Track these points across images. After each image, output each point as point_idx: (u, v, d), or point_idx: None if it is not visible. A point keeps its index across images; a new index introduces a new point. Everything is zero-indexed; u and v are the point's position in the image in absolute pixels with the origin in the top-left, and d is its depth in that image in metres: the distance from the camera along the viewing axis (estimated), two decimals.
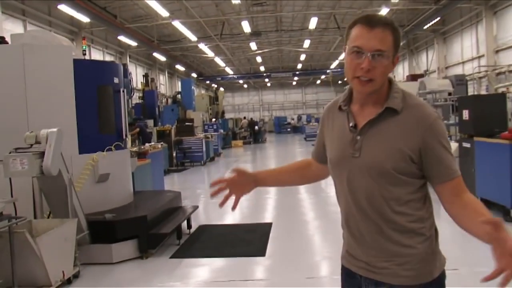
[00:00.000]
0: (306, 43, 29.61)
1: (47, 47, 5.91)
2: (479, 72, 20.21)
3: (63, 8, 15.27)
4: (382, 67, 1.73)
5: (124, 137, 6.65)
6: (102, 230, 5.60)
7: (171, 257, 5.95)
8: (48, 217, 5.42)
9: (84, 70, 6.11)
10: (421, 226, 1.79)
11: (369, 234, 1.82)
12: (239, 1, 19.24)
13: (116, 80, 6.55)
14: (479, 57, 20.77)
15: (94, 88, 6.20)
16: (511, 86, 15.19)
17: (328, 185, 12.24)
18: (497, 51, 19.45)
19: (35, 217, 5.36)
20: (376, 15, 1.79)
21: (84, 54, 7.72)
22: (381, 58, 1.72)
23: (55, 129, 4.79)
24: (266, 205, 9.53)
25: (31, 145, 4.79)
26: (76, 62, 6.02)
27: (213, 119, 25.88)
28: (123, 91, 6.64)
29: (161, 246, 6.16)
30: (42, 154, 4.68)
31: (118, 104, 6.55)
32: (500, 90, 15.64)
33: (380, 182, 1.76)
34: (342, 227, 2.00)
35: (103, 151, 6.14)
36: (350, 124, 1.86)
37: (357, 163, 1.80)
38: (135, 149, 9.30)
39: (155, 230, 6.01)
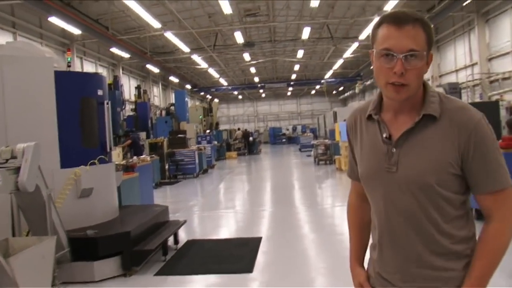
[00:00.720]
0: (300, 53, 29.57)
1: (27, 59, 5.73)
2: (473, 80, 20.18)
3: (54, 20, 15.11)
4: (417, 69, 1.55)
5: (108, 150, 6.47)
6: (83, 247, 5.38)
7: (155, 274, 5.73)
8: (27, 235, 5.21)
9: (66, 82, 5.94)
10: (465, 247, 1.62)
11: (406, 259, 1.65)
12: (232, 12, 19.13)
13: (100, 92, 6.37)
14: (472, 65, 20.74)
15: (77, 100, 6.03)
16: (505, 94, 15.11)
17: (324, 197, 12.14)
18: (490, 59, 19.41)
19: (13, 235, 5.14)
20: (403, 11, 1.59)
21: (69, 66, 7.57)
22: (415, 59, 1.54)
23: (32, 143, 4.60)
24: (260, 218, 9.34)
25: (7, 160, 4.59)
26: (58, 74, 5.84)
27: (207, 131, 25.73)
28: (108, 104, 6.47)
29: (146, 263, 5.94)
30: (18, 170, 4.48)
31: (102, 116, 6.38)
32: (494, 98, 15.55)
33: (421, 199, 1.59)
34: (372, 247, 1.82)
35: (86, 165, 5.95)
36: (384, 135, 1.67)
37: (394, 178, 1.62)
38: (122, 162, 9.11)
39: (139, 246, 5.80)
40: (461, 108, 1.60)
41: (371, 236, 1.86)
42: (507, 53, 17.93)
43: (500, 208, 1.58)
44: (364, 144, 1.76)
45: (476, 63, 20.14)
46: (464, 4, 17.35)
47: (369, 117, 1.74)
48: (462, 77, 21.52)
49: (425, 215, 1.59)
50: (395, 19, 1.55)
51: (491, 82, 19.22)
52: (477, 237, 1.66)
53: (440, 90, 14.47)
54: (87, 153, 6.09)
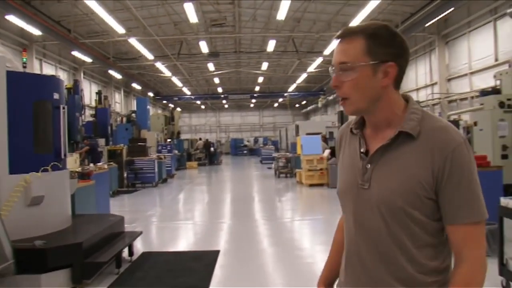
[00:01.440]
0: (264, 66, 29.65)
1: None
2: (433, 99, 20.66)
3: (12, 19, 14.59)
4: (351, 80, 1.49)
5: (63, 156, 6.18)
6: (30, 259, 5.07)
7: None
8: None
9: (19, 83, 5.64)
10: (434, 279, 1.48)
11: (369, 283, 1.54)
12: (198, 21, 19.01)
13: (56, 96, 6.08)
14: (432, 85, 21.25)
15: (31, 103, 5.73)
16: (463, 114, 15.49)
17: (284, 211, 12.05)
18: (449, 79, 19.93)
19: None
20: (351, 26, 1.55)
21: (24, 67, 7.24)
22: (346, 72, 1.49)
23: None
24: (219, 231, 9.15)
25: None
26: (11, 74, 5.54)
27: (168, 140, 25.39)
28: (64, 108, 6.19)
29: (98, 276, 5.67)
30: None
31: (57, 121, 6.08)
32: (452, 117, 15.92)
33: (390, 221, 1.47)
34: (342, 270, 1.71)
35: (38, 172, 5.66)
36: (361, 150, 1.59)
37: (365, 195, 1.53)
38: (78, 169, 8.78)
39: (91, 258, 5.53)
40: (442, 128, 1.48)
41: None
42: (465, 74, 18.45)
43: (472, 245, 1.45)
44: (345, 158, 1.69)
45: (436, 83, 20.65)
46: (426, 25, 17.79)
47: (352, 131, 1.68)
48: (422, 96, 22.03)
49: (392, 238, 1.48)
50: (338, 34, 1.55)
51: (450, 102, 19.73)
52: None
53: None
54: (39, 159, 5.78)
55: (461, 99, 18.60)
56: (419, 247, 1.48)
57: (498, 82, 10.59)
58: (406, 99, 1.58)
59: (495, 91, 10.52)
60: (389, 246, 1.49)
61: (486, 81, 16.07)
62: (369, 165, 1.54)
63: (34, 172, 5.60)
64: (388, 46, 1.50)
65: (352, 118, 1.72)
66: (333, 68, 1.54)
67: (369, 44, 1.48)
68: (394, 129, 1.51)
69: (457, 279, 1.44)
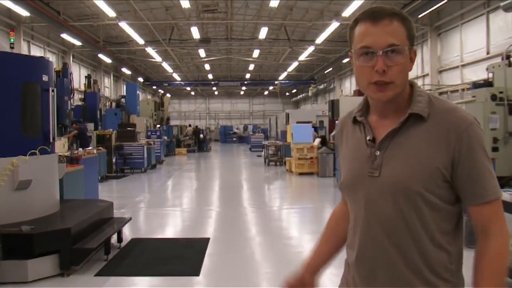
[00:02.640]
0: (256, 53, 29.46)
1: None
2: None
3: None
4: (400, 64, 1.43)
5: (51, 140, 6.06)
6: (17, 244, 4.98)
7: (96, 275, 5.39)
8: None
9: (7, 63, 5.51)
10: (446, 268, 1.47)
11: (383, 275, 1.48)
12: (190, 6, 18.77)
13: (45, 78, 5.95)
14: (423, 76, 21.27)
15: (19, 84, 5.59)
16: None
17: (273, 199, 12.03)
18: (440, 71, 19.96)
19: None
20: (379, 6, 1.46)
21: (12, 48, 7.08)
22: (396, 55, 1.42)
23: None
24: (208, 218, 9.10)
25: None
26: None
27: (158, 126, 25.21)
28: (53, 91, 6.06)
29: (87, 262, 5.59)
30: None
31: (46, 104, 5.96)
32: None
33: (404, 208, 1.43)
34: (347, 263, 1.64)
35: (26, 155, 5.54)
36: (368, 138, 1.53)
37: (377, 184, 1.47)
38: (66, 153, 8.65)
39: (80, 244, 5.44)
40: (452, 109, 1.48)
41: (347, 254, 1.67)
42: (456, 67, 18.48)
43: (497, 220, 1.46)
44: (349, 149, 1.63)
45: (427, 74, 20.68)
46: (419, 16, 17.74)
47: (355, 121, 1.62)
48: None
49: (407, 226, 1.44)
50: (370, 15, 1.45)
51: (441, 93, 19.75)
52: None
53: None
54: (27, 142, 5.67)
55: (452, 91, 18.63)
56: (435, 235, 1.45)
57: (490, 75, 10.57)
58: (410, 84, 1.55)
59: (487, 83, 10.51)
60: (403, 236, 1.45)
61: (477, 73, 16.12)
62: (378, 152, 1.49)
63: (21, 156, 5.49)
64: (413, 33, 1.49)
65: (350, 111, 1.67)
66: (375, 51, 1.42)
67: (407, 28, 1.46)
68: (401, 114, 1.48)
69: (489, 250, 1.44)
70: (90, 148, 12.71)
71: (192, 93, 54.09)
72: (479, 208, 1.45)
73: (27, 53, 19.78)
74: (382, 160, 1.48)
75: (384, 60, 1.41)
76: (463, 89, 17.57)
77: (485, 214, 1.45)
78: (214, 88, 49.92)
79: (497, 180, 1.47)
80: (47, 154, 5.95)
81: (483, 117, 9.07)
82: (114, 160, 16.36)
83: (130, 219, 7.29)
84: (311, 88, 40.82)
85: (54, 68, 7.93)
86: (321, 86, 40.40)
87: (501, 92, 9.38)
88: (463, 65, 17.99)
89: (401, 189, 1.43)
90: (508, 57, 10.47)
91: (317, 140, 16.31)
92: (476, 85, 11.85)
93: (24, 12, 15.97)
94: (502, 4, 13.37)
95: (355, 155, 1.57)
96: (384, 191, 1.46)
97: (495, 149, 8.97)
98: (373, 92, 1.47)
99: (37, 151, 5.69)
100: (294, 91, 51.93)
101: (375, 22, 1.43)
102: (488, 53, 16.05)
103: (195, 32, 22.82)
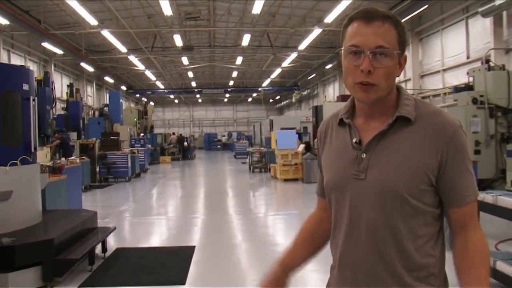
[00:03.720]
0: (239, 60, 29.51)
1: None
2: None
3: None
4: (387, 67, 1.42)
5: (32, 150, 5.97)
6: None
7: (80, 286, 5.30)
8: None
9: None
10: (429, 272, 1.46)
11: (364, 279, 1.47)
12: (172, 14, 18.73)
13: (25, 87, 5.87)
14: (406, 81, 21.46)
15: None
16: None
17: (258, 206, 11.99)
18: (422, 76, 20.17)
19: None
20: (374, 8, 1.46)
21: None
22: (384, 57, 1.41)
23: None
24: (193, 226, 9.04)
25: None
26: None
27: (141, 134, 25.06)
28: (34, 100, 5.98)
29: (70, 273, 5.49)
30: None
31: (27, 113, 5.87)
32: None
33: (389, 211, 1.42)
34: (333, 268, 1.62)
35: (6, 166, 5.45)
36: (354, 140, 1.52)
37: (362, 186, 1.46)
38: (49, 163, 8.54)
39: (63, 255, 5.35)
40: (437, 112, 1.49)
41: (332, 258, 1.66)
42: (438, 71, 18.70)
43: (474, 218, 1.51)
44: (332, 150, 1.62)
45: (409, 79, 20.87)
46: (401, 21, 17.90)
47: (341, 122, 1.61)
48: None
49: (389, 230, 1.43)
50: (364, 15, 1.45)
51: (423, 98, 19.89)
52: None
53: None
54: (8, 152, 5.58)
55: (434, 96, 18.84)
56: (417, 238, 1.44)
57: (471, 79, 10.72)
58: (397, 88, 1.55)
59: (468, 87, 10.65)
60: (385, 240, 1.44)
61: (458, 78, 16.35)
62: (364, 155, 1.49)
63: (1, 166, 5.40)
64: (405, 38, 1.49)
65: (334, 112, 1.67)
66: (363, 50, 1.42)
67: (399, 32, 1.46)
68: (388, 117, 1.48)
69: (472, 240, 1.47)
70: (73, 157, 12.57)
71: (176, 101, 53.92)
72: (460, 209, 1.48)
73: (7, 62, 19.56)
74: (368, 163, 1.47)
75: (371, 61, 1.40)
76: (444, 93, 17.78)
77: (465, 215, 1.48)
78: (198, 96, 49.80)
79: (475, 180, 1.51)
80: (28, 164, 5.86)
81: (465, 120, 9.19)
82: (97, 169, 16.22)
83: (115, 228, 7.21)
84: (294, 94, 40.96)
85: (36, 77, 7.83)
86: (305, 92, 40.57)
87: (481, 96, 9.52)
88: (444, 70, 18.21)
89: (387, 192, 1.43)
90: (487, 61, 10.63)
91: (302, 146, 16.35)
92: (457, 89, 12.01)
93: (3, 21, 15.79)
94: (480, 10, 13.59)
95: (340, 157, 1.56)
96: (370, 194, 1.45)
97: (477, 152, 9.09)
98: (358, 93, 1.46)
99: (18, 161, 5.60)
100: (277, 97, 52.05)
101: (367, 22, 1.43)
102: (468, 57, 16.27)
103: (178, 40, 22.77)
